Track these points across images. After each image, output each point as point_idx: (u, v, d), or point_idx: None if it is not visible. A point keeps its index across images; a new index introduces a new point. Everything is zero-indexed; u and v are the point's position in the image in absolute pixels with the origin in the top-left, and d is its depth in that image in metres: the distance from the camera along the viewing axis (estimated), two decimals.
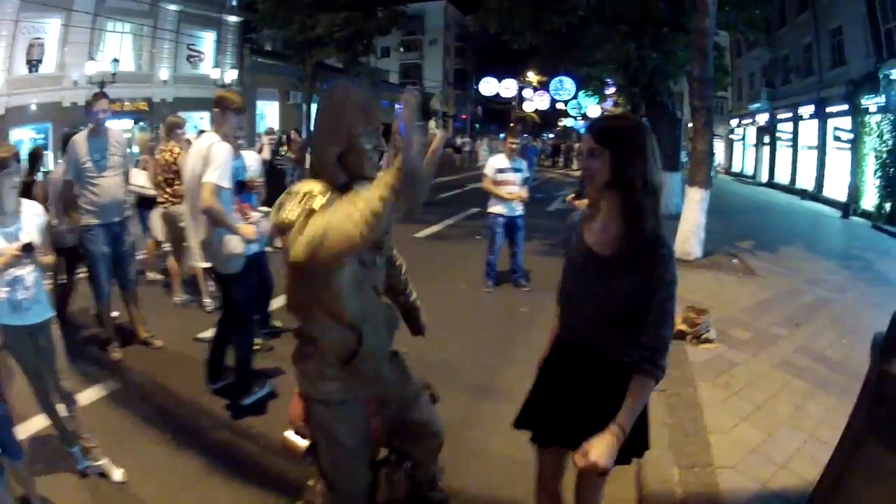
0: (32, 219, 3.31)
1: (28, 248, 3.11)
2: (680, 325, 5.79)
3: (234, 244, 4.13)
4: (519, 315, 7.08)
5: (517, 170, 7.76)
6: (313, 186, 2.13)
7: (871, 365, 2.37)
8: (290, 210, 2.02)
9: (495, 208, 7.79)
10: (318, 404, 2.37)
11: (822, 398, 4.83)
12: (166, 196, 6.66)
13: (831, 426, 4.29)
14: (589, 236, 2.30)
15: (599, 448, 2.03)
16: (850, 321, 7.18)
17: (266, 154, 11.13)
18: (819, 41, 25.40)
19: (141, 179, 7.45)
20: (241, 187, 4.70)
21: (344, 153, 2.22)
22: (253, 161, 5.28)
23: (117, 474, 3.51)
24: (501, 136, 39.01)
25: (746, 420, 4.35)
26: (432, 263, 9.42)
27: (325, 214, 1.91)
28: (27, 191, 5.54)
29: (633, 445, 2.25)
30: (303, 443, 2.45)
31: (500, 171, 7.73)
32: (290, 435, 2.47)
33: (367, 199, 1.80)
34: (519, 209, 7.80)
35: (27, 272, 3.21)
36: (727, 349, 5.82)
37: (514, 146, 7.85)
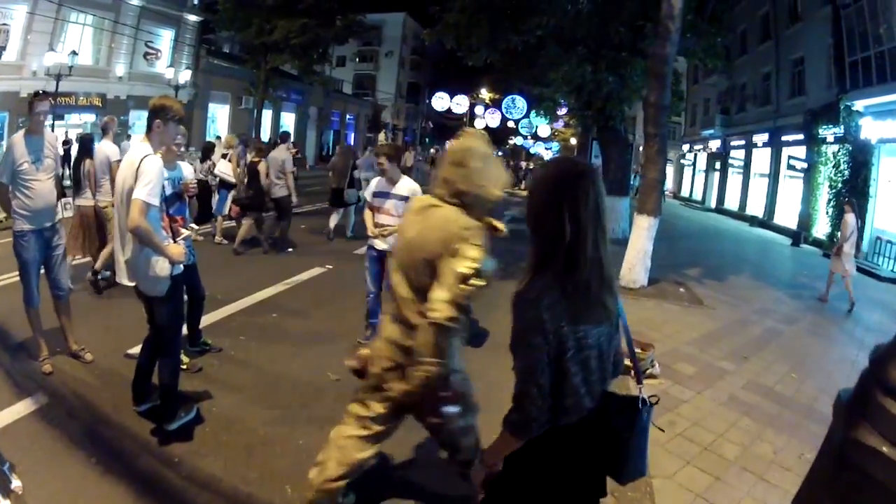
0: None
1: None
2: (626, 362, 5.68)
3: (161, 266, 3.83)
4: None
5: (388, 195, 5.80)
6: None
7: (834, 424, 2.17)
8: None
9: (370, 238, 6.00)
10: (456, 373, 2.84)
11: (772, 437, 4.77)
12: None
13: (781, 467, 4.24)
14: None
15: None
16: (799, 354, 7.22)
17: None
18: (779, 70, 25.98)
19: (223, 167, 10.82)
20: (176, 199, 4.45)
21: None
22: (189, 173, 4.99)
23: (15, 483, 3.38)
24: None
25: (692, 463, 4.22)
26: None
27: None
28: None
29: None
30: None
31: (376, 195, 5.91)
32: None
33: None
34: (389, 243, 5.62)
35: None
36: (672, 385, 5.71)
37: (383, 167, 5.84)
